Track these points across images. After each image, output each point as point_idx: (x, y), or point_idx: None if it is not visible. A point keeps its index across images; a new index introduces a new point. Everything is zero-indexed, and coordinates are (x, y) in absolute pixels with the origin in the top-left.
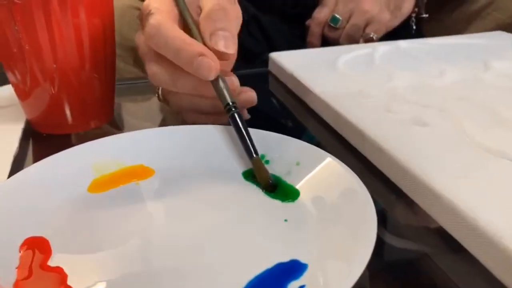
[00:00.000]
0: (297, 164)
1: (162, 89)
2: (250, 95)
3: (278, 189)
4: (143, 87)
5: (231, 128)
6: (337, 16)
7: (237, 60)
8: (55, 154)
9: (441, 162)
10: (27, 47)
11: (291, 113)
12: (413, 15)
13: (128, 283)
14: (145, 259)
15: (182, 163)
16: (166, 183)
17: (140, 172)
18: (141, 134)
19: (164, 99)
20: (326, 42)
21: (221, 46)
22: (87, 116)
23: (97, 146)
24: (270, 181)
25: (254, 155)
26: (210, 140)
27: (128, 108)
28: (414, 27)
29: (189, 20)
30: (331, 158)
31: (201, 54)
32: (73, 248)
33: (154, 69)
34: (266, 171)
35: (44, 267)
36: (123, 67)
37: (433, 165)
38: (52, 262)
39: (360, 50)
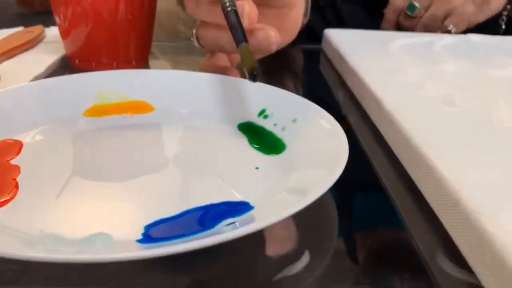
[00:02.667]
0: (294, 121)
1: (196, 28)
2: (268, 33)
3: (266, 141)
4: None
5: (245, 81)
6: (415, 3)
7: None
8: (67, 75)
9: (450, 139)
10: None
11: (330, 88)
12: (504, 13)
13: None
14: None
15: (184, 106)
16: (159, 120)
17: (140, 107)
18: (152, 73)
19: (197, 40)
20: (402, 30)
21: None
22: (119, 57)
23: (106, 76)
24: (255, 71)
25: (245, 43)
26: (218, 89)
27: (173, 62)
28: (504, 27)
29: None
30: (326, 118)
31: None
32: (41, 158)
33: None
34: (252, 58)
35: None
36: (184, 30)
37: (438, 141)
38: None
39: (423, 37)
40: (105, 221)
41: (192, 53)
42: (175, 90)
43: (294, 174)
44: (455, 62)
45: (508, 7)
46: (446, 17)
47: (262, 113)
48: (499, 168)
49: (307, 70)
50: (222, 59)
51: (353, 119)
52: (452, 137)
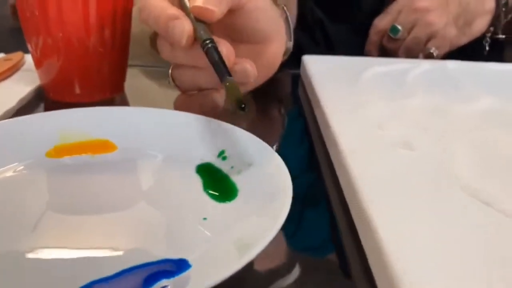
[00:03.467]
0: (250, 165)
1: (171, 69)
2: (245, 67)
3: (220, 187)
4: None
5: (208, 120)
6: (398, 26)
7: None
8: (29, 115)
9: (396, 196)
10: (36, 13)
11: (303, 117)
12: (488, 34)
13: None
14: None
15: (146, 144)
16: (119, 161)
17: (102, 146)
18: (115, 110)
19: (173, 80)
20: (385, 53)
21: (199, 2)
22: (92, 88)
23: (68, 114)
24: (243, 103)
25: (229, 77)
26: (181, 127)
27: (152, 89)
28: (487, 48)
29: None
30: (278, 166)
31: (175, 18)
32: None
33: (158, 43)
34: (239, 90)
35: None
36: None
37: (383, 197)
38: None
39: (400, 64)
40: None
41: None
42: (137, 128)
43: (240, 225)
44: (424, 95)
45: (491, 29)
46: (428, 40)
47: (221, 154)
48: (440, 241)
49: (287, 97)
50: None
51: (319, 154)
52: (399, 193)
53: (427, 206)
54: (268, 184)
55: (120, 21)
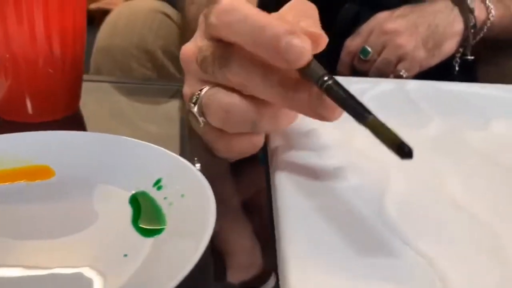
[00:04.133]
0: (182, 196)
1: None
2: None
3: (149, 220)
4: (151, 89)
5: (149, 146)
6: (368, 48)
7: None
8: None
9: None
10: None
11: None
12: (458, 55)
13: None
14: None
15: (85, 171)
16: (53, 188)
17: (40, 172)
18: (54, 135)
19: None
20: (357, 73)
21: (309, 25)
22: (44, 108)
23: (4, 140)
24: (401, 143)
25: (370, 116)
26: (121, 153)
27: (116, 107)
28: (457, 68)
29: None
30: (209, 199)
31: (292, 33)
32: None
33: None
34: (389, 129)
35: None
36: (137, 68)
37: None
38: None
39: (358, 84)
40: None
41: (136, 94)
42: (78, 153)
43: (156, 263)
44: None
45: (461, 49)
46: (398, 62)
47: (157, 183)
48: None
49: None
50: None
51: None
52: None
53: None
54: (193, 220)
55: (70, 41)
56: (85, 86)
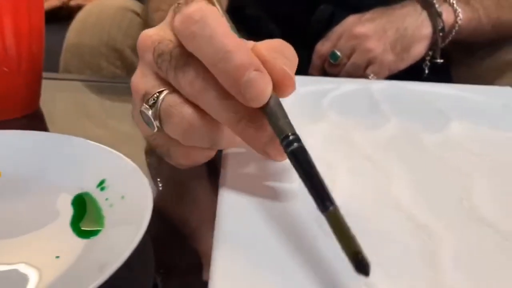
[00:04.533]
0: (122, 197)
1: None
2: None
3: (88, 221)
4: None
5: (98, 147)
6: (337, 52)
7: None
8: None
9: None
10: None
11: None
12: (427, 58)
13: None
14: None
15: (29, 171)
16: None
17: None
18: (3, 135)
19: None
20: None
21: (284, 67)
22: (2, 107)
23: None
24: (359, 255)
25: (330, 208)
26: (67, 153)
27: (80, 105)
28: (427, 71)
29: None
30: (148, 200)
31: (257, 68)
32: None
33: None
34: (350, 235)
35: None
36: (106, 66)
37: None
38: None
39: (324, 85)
40: None
41: (105, 92)
42: (26, 153)
43: (88, 263)
44: (324, 124)
45: (430, 53)
46: (367, 65)
47: (101, 184)
48: None
49: None
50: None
51: None
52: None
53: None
54: (129, 221)
55: (26, 40)
56: (53, 84)
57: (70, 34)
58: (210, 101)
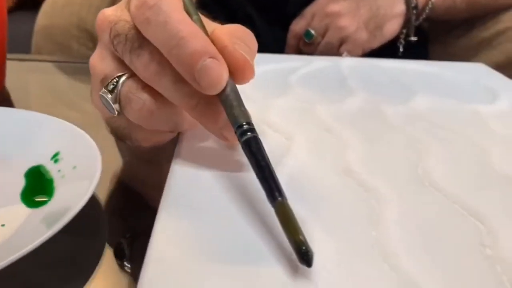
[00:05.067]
0: (74, 168)
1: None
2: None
3: (39, 192)
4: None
5: (53, 120)
6: (311, 31)
7: None
8: None
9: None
10: None
11: None
12: (401, 36)
13: None
14: None
15: None
16: None
17: None
18: None
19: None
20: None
21: (244, 53)
22: None
23: None
24: (303, 247)
25: (279, 198)
26: (20, 126)
27: (50, 85)
28: (401, 50)
29: (194, 17)
30: (97, 169)
31: (212, 55)
32: None
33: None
34: (296, 226)
35: None
36: (77, 47)
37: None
38: None
39: (296, 62)
40: None
41: (76, 73)
42: None
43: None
44: (288, 97)
45: (404, 31)
46: (341, 44)
47: (55, 156)
48: None
49: None
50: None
51: None
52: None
53: None
54: (78, 190)
55: None
56: (24, 65)
57: (41, 16)
58: (165, 86)
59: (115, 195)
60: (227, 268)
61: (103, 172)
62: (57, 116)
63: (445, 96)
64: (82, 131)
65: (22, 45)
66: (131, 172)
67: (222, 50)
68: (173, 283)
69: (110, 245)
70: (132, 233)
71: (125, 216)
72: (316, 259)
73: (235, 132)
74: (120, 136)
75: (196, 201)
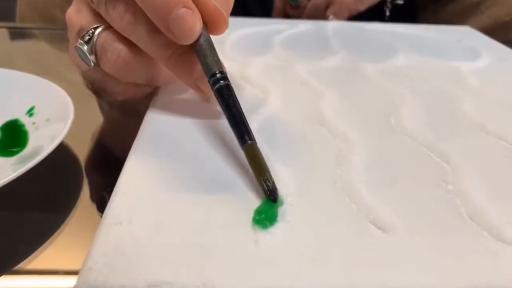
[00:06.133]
0: (47, 120)
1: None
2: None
3: (14, 144)
4: None
5: (27, 76)
6: None
7: None
8: None
9: None
10: None
11: None
12: (388, 0)
13: None
14: None
15: None
16: None
17: None
18: None
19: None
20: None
21: (217, 4)
22: None
23: None
24: (269, 184)
25: (248, 142)
26: (3, 84)
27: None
28: (388, 14)
29: None
30: (69, 119)
31: (185, 5)
32: None
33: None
34: (263, 165)
35: None
36: (60, 16)
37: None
38: None
39: (281, 25)
40: None
41: (59, 41)
42: None
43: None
44: (268, 56)
45: None
46: (327, 6)
47: (30, 110)
48: None
49: None
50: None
51: None
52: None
53: None
54: (48, 139)
55: None
56: (8, 33)
57: None
58: (140, 36)
59: (95, 152)
60: (190, 196)
61: (83, 131)
62: None
63: (427, 54)
64: (56, 85)
65: (5, 14)
66: (111, 127)
67: (196, 1)
68: (136, 210)
69: (91, 199)
70: (113, 187)
71: (105, 171)
72: (280, 193)
73: (209, 81)
74: (97, 90)
75: (168, 143)
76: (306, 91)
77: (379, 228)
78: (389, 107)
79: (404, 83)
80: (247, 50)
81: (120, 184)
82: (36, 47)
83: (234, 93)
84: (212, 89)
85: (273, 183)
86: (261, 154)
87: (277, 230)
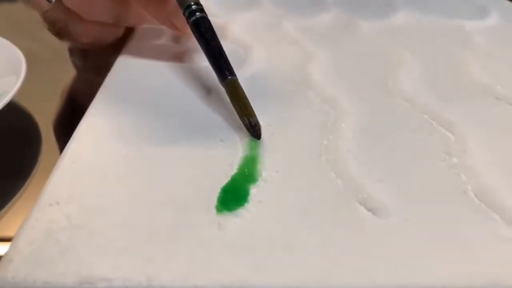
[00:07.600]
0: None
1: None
2: None
3: None
4: None
5: None
6: None
7: None
8: None
9: None
10: None
11: None
12: None
13: None
14: None
15: None
16: None
17: None
18: None
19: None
20: None
21: None
22: None
23: None
24: (251, 120)
25: (229, 77)
26: None
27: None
28: None
29: None
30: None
31: None
32: None
33: None
34: (245, 101)
35: None
36: None
37: None
38: None
39: None
40: None
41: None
42: None
43: None
44: (255, 12)
45: None
46: None
47: None
48: None
49: None
50: None
51: None
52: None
53: None
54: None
55: None
56: None
57: None
58: None
59: (54, 113)
60: (147, 165)
61: (42, 92)
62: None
63: (430, 12)
64: (6, 40)
65: None
66: (80, 86)
67: None
68: (78, 186)
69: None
70: None
71: (65, 132)
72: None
73: (184, 14)
74: (59, 32)
75: (135, 93)
76: (293, 50)
77: (369, 210)
78: (387, 69)
79: (403, 43)
80: (232, 5)
81: (66, 153)
82: (8, 7)
83: (212, 26)
84: (188, 22)
85: (257, 119)
86: (242, 90)
87: (245, 212)
